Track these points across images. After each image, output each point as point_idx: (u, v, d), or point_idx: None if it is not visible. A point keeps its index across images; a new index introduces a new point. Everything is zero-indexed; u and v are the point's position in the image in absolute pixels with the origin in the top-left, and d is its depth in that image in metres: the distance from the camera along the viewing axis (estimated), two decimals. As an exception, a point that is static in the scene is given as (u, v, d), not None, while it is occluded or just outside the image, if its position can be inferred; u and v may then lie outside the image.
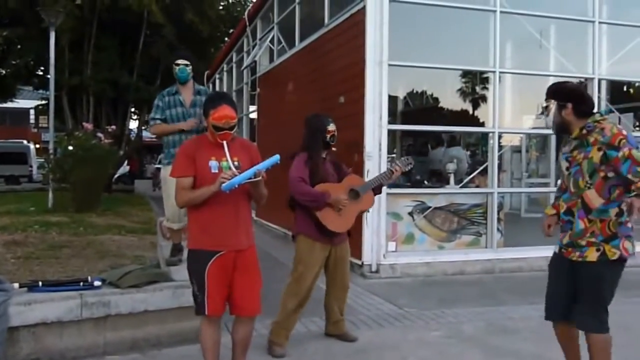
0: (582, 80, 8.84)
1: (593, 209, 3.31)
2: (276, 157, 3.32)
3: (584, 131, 3.37)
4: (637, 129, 16.60)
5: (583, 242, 3.35)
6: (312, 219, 4.41)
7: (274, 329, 4.44)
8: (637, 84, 15.71)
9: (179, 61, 5.21)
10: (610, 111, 11.30)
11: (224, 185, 3.21)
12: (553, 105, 3.46)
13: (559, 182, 3.72)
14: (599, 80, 8.61)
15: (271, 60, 12.70)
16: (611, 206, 3.30)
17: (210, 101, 3.51)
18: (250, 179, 3.26)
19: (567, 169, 3.47)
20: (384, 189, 7.22)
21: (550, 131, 12.28)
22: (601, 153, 3.27)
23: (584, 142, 3.38)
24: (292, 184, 4.38)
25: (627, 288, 6.50)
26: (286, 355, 4.32)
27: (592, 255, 3.32)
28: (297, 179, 4.37)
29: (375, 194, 4.75)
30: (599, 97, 8.64)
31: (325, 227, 4.40)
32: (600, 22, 8.41)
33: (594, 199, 3.31)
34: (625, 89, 17.80)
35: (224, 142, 3.40)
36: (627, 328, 5.11)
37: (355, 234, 7.21)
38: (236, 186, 3.22)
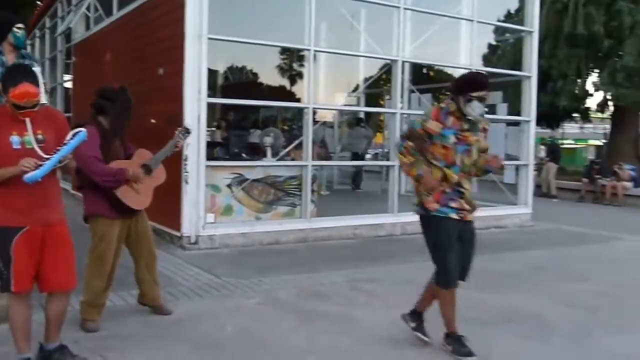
0: (388, 61, 9.50)
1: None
2: (82, 135, 3.15)
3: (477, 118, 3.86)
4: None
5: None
6: (108, 198, 4.21)
7: (83, 308, 4.28)
8: (436, 67, 17.18)
9: (20, 25, 4.73)
10: (412, 92, 12.35)
11: (26, 177, 3.01)
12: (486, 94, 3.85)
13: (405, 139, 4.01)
14: (403, 63, 9.27)
15: (87, 28, 11.88)
16: None
17: (8, 77, 3.20)
18: (55, 165, 3.09)
19: (455, 144, 3.80)
20: (203, 162, 7.27)
21: (360, 108, 13.10)
22: (485, 141, 3.93)
23: (476, 127, 3.87)
24: (87, 162, 4.07)
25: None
26: (100, 330, 4.20)
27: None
28: (92, 158, 4.09)
29: None
30: (402, 79, 9.32)
31: (127, 206, 4.26)
32: (405, 8, 8.95)
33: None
34: (425, 71, 19.46)
35: (27, 119, 3.17)
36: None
37: (173, 206, 7.19)
38: (39, 179, 3.03)
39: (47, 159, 3.09)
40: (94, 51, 11.23)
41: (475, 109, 3.76)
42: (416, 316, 4.18)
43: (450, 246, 3.80)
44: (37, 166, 3.04)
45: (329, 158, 12.89)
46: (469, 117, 3.81)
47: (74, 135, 3.16)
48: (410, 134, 3.94)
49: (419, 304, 4.19)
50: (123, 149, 4.39)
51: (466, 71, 9.06)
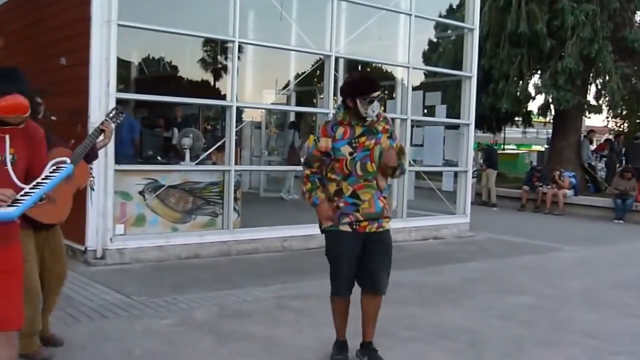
0: (321, 57, 9.57)
1: (382, 189, 4.04)
2: (69, 169, 2.88)
3: (374, 119, 4.01)
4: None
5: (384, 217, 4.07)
6: None
7: (22, 344, 3.81)
8: (373, 64, 17.36)
9: None
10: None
11: None
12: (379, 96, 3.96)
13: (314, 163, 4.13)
14: (337, 58, 9.36)
15: (-25, 8, 11.38)
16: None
17: None
18: (35, 203, 2.70)
19: (351, 154, 3.96)
20: (112, 165, 7.10)
21: (290, 107, 13.04)
22: (389, 140, 4.04)
23: (373, 130, 4.00)
24: None
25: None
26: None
27: (388, 225, 4.12)
28: None
29: (91, 161, 4.45)
30: (336, 75, 9.40)
31: (39, 222, 3.96)
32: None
33: (382, 181, 4.05)
34: (361, 68, 19.70)
35: (7, 136, 2.83)
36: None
37: (76, 215, 6.93)
38: (15, 220, 2.68)
39: (27, 193, 2.68)
40: (-16, 36, 10.80)
41: (374, 109, 3.95)
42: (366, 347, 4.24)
43: (339, 259, 4.07)
44: (10, 203, 2.62)
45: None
46: (364, 122, 3.98)
47: (55, 166, 2.82)
48: (308, 160, 4.16)
49: (363, 333, 4.25)
50: None
51: (404, 69, 9.22)
